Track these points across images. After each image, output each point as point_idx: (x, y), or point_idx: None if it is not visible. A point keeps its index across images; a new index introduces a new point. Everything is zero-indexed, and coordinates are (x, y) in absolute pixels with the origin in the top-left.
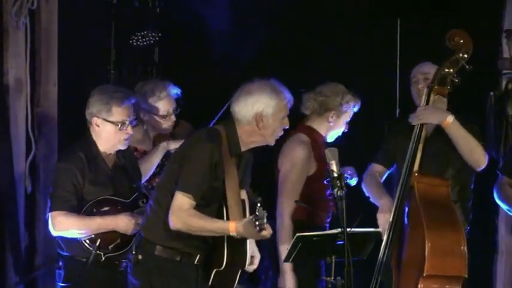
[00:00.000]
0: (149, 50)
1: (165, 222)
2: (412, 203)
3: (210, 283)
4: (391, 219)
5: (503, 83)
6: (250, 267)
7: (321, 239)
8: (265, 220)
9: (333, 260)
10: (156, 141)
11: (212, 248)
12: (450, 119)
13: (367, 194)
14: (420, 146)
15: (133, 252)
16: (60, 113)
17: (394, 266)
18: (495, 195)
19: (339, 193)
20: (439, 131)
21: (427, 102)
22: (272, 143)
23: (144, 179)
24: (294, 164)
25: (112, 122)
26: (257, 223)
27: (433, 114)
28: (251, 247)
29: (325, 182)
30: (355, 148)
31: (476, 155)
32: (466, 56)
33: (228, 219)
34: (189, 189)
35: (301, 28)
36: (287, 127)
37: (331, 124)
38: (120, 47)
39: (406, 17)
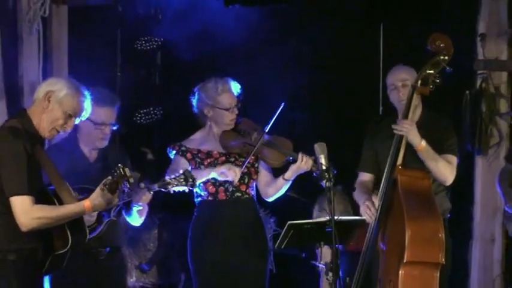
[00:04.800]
0: (152, 54)
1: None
2: (395, 195)
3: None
4: (376, 212)
5: (478, 82)
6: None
7: (311, 226)
8: (127, 179)
9: (322, 246)
10: (223, 139)
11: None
12: (423, 143)
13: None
14: (404, 142)
15: None
16: None
17: (380, 252)
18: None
19: (327, 184)
20: (423, 129)
21: (410, 100)
22: (45, 134)
23: None
24: None
25: None
26: (106, 187)
27: (414, 134)
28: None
29: (314, 175)
30: (340, 144)
31: (444, 175)
32: (446, 58)
33: (60, 203)
34: (20, 190)
35: (291, 31)
36: (67, 130)
37: None
38: (126, 51)
39: (388, 22)
